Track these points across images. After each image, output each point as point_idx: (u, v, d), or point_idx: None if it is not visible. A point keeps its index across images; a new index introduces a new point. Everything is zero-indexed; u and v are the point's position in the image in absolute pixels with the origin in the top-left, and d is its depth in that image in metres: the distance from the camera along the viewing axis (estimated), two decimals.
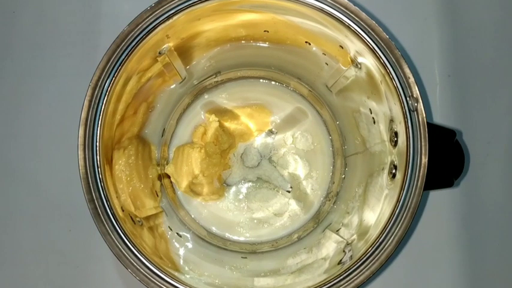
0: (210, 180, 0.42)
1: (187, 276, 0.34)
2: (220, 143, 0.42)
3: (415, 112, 0.31)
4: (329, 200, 0.43)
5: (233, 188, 0.44)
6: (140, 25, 0.31)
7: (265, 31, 0.37)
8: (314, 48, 0.37)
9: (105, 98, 0.31)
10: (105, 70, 0.31)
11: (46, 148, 0.44)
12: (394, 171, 0.33)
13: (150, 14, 0.31)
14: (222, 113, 0.44)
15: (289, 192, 0.44)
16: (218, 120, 0.43)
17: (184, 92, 0.43)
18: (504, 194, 0.44)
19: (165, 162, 0.43)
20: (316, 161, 0.44)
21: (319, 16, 0.32)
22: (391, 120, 0.33)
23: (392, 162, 0.34)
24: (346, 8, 0.31)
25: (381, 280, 0.43)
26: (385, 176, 0.35)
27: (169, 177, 0.43)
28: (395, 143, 0.33)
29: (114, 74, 0.31)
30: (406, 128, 0.31)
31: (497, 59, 0.46)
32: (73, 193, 0.41)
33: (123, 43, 0.31)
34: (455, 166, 0.38)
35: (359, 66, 0.34)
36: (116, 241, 0.31)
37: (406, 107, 0.31)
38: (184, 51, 0.37)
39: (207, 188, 0.42)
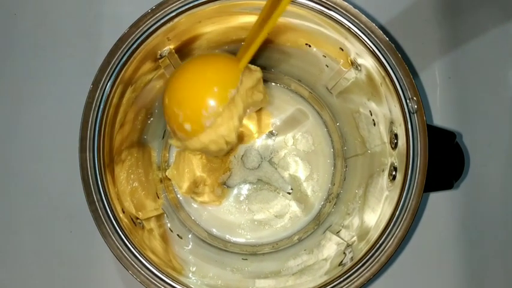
0: (212, 189, 0.42)
1: (188, 277, 0.34)
2: None
3: (415, 114, 0.31)
4: (329, 202, 0.43)
5: (234, 190, 0.44)
6: (141, 27, 0.31)
7: None
8: (314, 50, 0.37)
9: (106, 100, 0.31)
10: (106, 72, 0.31)
11: (47, 150, 0.44)
12: (394, 173, 0.33)
13: (151, 17, 0.31)
14: None
15: (289, 194, 0.44)
16: None
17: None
18: (504, 196, 0.44)
19: (166, 165, 0.43)
20: (316, 163, 0.44)
21: (320, 18, 0.32)
22: (391, 122, 0.33)
23: (392, 164, 0.34)
24: (347, 11, 0.31)
25: (381, 281, 0.43)
26: (385, 178, 0.35)
27: (170, 179, 0.43)
28: (395, 145, 0.33)
29: (115, 76, 0.31)
30: (406, 130, 0.31)
31: (498, 60, 0.46)
32: (74, 195, 0.41)
33: (124, 45, 0.31)
34: (455, 168, 0.38)
35: (359, 68, 0.35)
36: (117, 243, 0.31)
37: (406, 109, 0.31)
38: (185, 53, 0.38)
39: (209, 196, 0.42)
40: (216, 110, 0.31)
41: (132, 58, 0.32)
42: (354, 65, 0.35)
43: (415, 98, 0.31)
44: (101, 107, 0.31)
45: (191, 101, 0.31)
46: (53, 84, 0.44)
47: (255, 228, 0.43)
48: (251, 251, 0.43)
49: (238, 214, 0.43)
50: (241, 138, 0.44)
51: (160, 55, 0.35)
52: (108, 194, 0.31)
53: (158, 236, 0.37)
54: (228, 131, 0.32)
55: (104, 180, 0.31)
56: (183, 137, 0.32)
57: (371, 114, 0.37)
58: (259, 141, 0.44)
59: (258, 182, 0.44)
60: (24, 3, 0.45)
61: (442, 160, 0.36)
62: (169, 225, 0.40)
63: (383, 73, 0.31)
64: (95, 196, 0.31)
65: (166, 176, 0.43)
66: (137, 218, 0.35)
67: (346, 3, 0.31)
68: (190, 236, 0.41)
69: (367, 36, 0.31)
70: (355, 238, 0.35)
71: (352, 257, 0.33)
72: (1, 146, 0.44)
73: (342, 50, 0.35)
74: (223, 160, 0.43)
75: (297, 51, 0.38)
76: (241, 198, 0.44)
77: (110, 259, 0.42)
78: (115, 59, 0.31)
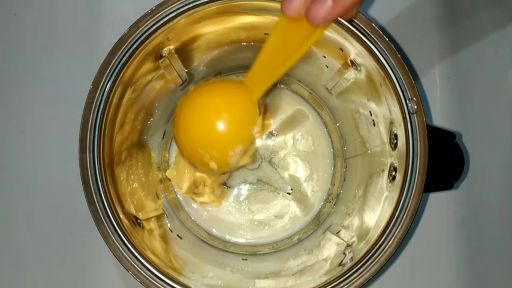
0: (212, 190, 0.42)
1: (188, 277, 0.34)
2: None
3: (415, 115, 0.31)
4: (329, 202, 0.43)
5: (234, 190, 0.44)
6: (141, 28, 0.31)
7: (265, 34, 0.38)
8: (314, 51, 0.37)
9: (106, 100, 0.31)
10: (106, 73, 0.31)
11: (47, 150, 0.44)
12: (394, 173, 0.33)
13: (151, 17, 0.31)
14: None
15: (289, 194, 0.44)
16: None
17: (185, 94, 0.43)
18: (504, 196, 0.44)
19: (166, 165, 0.43)
20: (316, 163, 0.44)
21: None
22: (391, 123, 0.33)
23: (392, 165, 0.34)
24: None
25: (381, 281, 0.43)
26: (385, 178, 0.35)
27: (169, 180, 0.43)
28: (395, 145, 0.33)
29: (115, 77, 0.31)
30: (406, 130, 0.31)
31: (497, 61, 0.46)
32: (74, 195, 0.41)
33: (124, 46, 0.31)
34: (455, 168, 0.38)
35: (359, 68, 0.35)
36: (117, 243, 0.31)
37: (406, 110, 0.31)
38: (185, 54, 0.38)
39: (209, 196, 0.42)
40: (243, 149, 0.31)
41: (132, 58, 0.32)
42: (354, 65, 0.35)
43: (414, 99, 0.31)
44: (101, 107, 0.31)
45: (218, 144, 0.31)
46: (52, 84, 0.44)
47: (255, 228, 0.43)
48: (251, 251, 0.43)
49: (238, 214, 0.43)
50: None
51: (160, 55, 0.35)
52: (108, 194, 0.31)
53: (158, 236, 0.37)
54: (249, 160, 0.33)
55: (104, 180, 0.31)
56: (205, 171, 0.35)
57: (371, 115, 0.37)
58: (259, 142, 0.44)
59: (257, 182, 0.44)
60: (24, 3, 0.45)
61: (441, 160, 0.36)
62: (169, 225, 0.40)
63: (383, 73, 0.31)
64: (94, 196, 0.31)
65: (166, 176, 0.43)
66: (137, 219, 0.35)
67: None
68: (190, 236, 0.41)
69: (366, 37, 0.31)
70: (355, 238, 0.35)
71: (352, 257, 0.33)
72: (1, 146, 0.44)
73: (342, 50, 0.35)
74: None
75: None
76: (241, 198, 0.44)
77: (110, 259, 0.42)
78: (115, 59, 0.31)
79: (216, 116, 0.31)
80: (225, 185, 0.44)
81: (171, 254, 0.37)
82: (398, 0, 0.46)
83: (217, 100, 0.32)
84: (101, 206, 0.31)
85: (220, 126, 0.31)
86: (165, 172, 0.43)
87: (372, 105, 0.36)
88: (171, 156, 0.44)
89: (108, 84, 0.31)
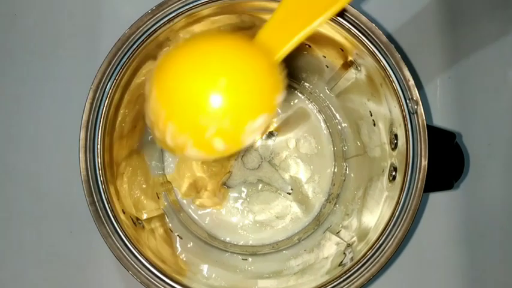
0: (214, 194, 0.42)
1: (188, 278, 0.34)
2: None
3: (415, 115, 0.31)
4: (329, 202, 0.43)
5: (234, 191, 0.44)
6: (141, 28, 0.31)
7: None
8: (314, 51, 0.37)
9: (106, 101, 0.31)
10: (106, 73, 0.31)
11: (47, 150, 0.44)
12: (394, 173, 0.33)
13: (151, 17, 0.31)
14: None
15: (289, 194, 0.44)
16: None
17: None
18: (504, 196, 0.44)
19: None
20: (317, 163, 0.44)
21: None
22: (391, 123, 0.33)
23: (392, 165, 0.34)
24: (346, 11, 0.31)
25: (381, 281, 0.43)
26: (385, 178, 0.35)
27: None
28: (395, 146, 0.33)
29: (115, 77, 0.31)
30: (406, 130, 0.31)
31: (498, 60, 0.46)
32: (74, 195, 0.41)
33: (124, 46, 0.31)
34: (455, 168, 0.38)
35: (359, 68, 0.35)
36: (117, 243, 0.31)
37: (406, 110, 0.31)
38: None
39: (211, 200, 0.42)
40: (265, 122, 0.23)
41: (132, 58, 0.32)
42: (354, 65, 0.35)
43: (414, 99, 0.31)
44: (101, 107, 0.31)
45: (234, 110, 0.22)
46: (52, 84, 0.44)
47: (256, 229, 0.43)
48: (251, 251, 0.43)
49: (239, 215, 0.43)
50: None
51: (160, 55, 0.35)
52: (108, 194, 0.31)
53: (159, 236, 0.37)
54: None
55: (104, 180, 0.31)
56: (199, 156, 0.24)
57: (371, 115, 0.37)
58: (260, 142, 0.44)
59: (259, 183, 0.44)
60: (24, 3, 0.45)
61: (442, 160, 0.36)
62: (169, 225, 0.40)
63: (383, 74, 0.31)
64: (95, 196, 0.31)
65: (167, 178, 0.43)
66: (137, 219, 0.35)
67: None
68: (190, 236, 0.41)
69: (366, 37, 0.31)
70: (355, 238, 0.35)
71: (352, 257, 0.33)
72: (1, 146, 0.44)
73: (342, 50, 0.35)
74: (224, 165, 0.43)
75: (297, 51, 0.38)
76: (242, 199, 0.44)
77: (110, 259, 0.42)
78: (115, 60, 0.31)
79: (236, 71, 0.22)
80: (226, 185, 0.44)
81: (172, 254, 0.37)
82: (399, 2, 0.46)
83: (235, 53, 0.23)
84: (101, 206, 0.31)
85: (241, 84, 0.22)
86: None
87: (372, 105, 0.36)
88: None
89: (108, 84, 0.31)
